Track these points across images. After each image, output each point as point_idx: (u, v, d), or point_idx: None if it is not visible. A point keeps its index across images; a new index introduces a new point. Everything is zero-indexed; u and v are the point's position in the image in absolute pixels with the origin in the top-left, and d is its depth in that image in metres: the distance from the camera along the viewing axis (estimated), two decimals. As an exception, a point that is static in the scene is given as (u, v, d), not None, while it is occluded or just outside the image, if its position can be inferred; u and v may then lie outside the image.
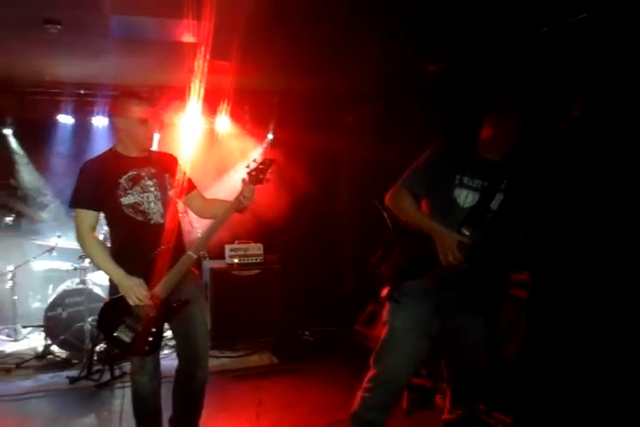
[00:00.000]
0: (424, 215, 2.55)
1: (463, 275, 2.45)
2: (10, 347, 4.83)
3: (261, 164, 2.70)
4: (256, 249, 5.21)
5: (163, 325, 2.66)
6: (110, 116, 2.76)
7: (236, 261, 5.10)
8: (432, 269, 2.43)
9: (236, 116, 5.97)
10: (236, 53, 4.64)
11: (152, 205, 2.66)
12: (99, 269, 2.65)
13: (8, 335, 5.05)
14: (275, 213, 5.47)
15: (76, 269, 4.82)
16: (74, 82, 5.50)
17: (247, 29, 4.01)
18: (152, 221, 2.66)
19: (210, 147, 5.89)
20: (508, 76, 3.58)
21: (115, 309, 2.60)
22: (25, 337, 5.05)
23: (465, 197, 2.50)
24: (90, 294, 4.54)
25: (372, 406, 2.58)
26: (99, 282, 4.79)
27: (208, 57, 4.76)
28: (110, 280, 2.67)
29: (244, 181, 2.67)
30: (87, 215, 2.63)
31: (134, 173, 2.67)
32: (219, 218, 2.67)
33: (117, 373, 4.11)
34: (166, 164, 2.82)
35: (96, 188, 2.62)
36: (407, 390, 3.56)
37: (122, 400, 3.82)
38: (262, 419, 3.52)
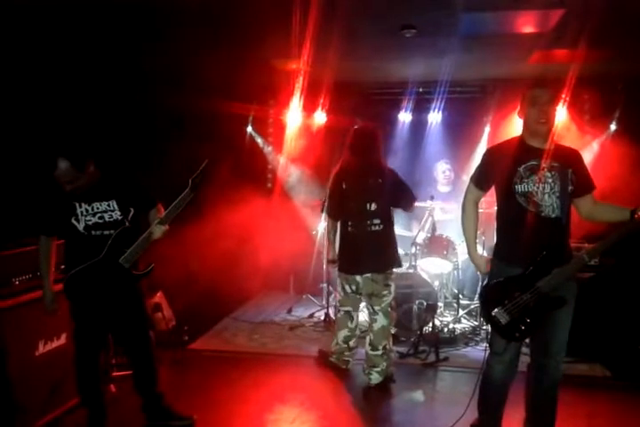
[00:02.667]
0: None
1: None
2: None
3: None
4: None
5: (538, 318, 2.69)
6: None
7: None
8: None
9: (573, 105, 5.56)
10: (582, 40, 4.34)
11: (546, 197, 2.67)
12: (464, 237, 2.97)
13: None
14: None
15: (407, 254, 5.24)
16: (414, 81, 5.93)
17: (598, 14, 3.71)
18: (542, 214, 2.67)
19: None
20: None
21: (498, 291, 2.75)
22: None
23: None
24: (419, 279, 4.86)
25: None
26: (427, 269, 5.11)
27: (551, 46, 4.59)
28: (492, 263, 2.85)
29: None
30: (473, 191, 2.89)
31: (535, 163, 2.70)
32: (621, 231, 2.58)
33: (442, 356, 4.34)
34: (570, 158, 2.76)
35: (491, 171, 2.79)
36: None
37: (445, 383, 4.06)
38: (594, 433, 3.28)
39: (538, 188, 2.66)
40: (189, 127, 5.31)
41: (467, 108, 6.07)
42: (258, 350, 4.63)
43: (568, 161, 2.73)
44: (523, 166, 2.69)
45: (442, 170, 5.70)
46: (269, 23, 3.94)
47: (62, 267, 3.12)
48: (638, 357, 4.38)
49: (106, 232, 2.96)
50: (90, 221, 2.95)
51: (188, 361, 4.34)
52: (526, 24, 4.21)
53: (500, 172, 2.72)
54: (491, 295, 2.78)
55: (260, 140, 6.55)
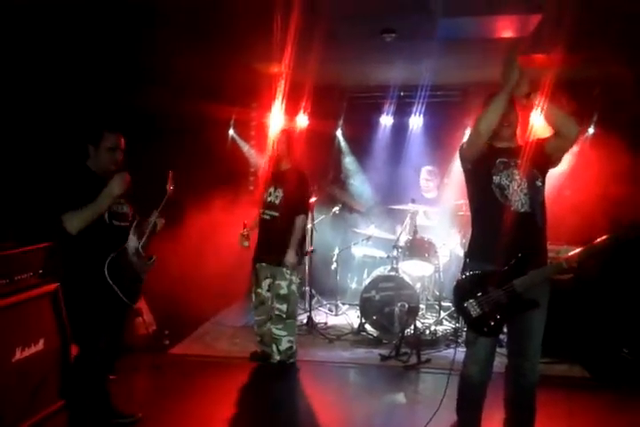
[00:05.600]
0: None
1: None
2: (331, 320, 5.55)
3: None
4: (569, 252, 4.84)
5: (509, 316, 2.72)
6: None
7: (545, 263, 4.83)
8: None
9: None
10: (560, 45, 4.40)
11: (514, 193, 2.73)
12: None
13: (330, 310, 5.82)
14: (592, 215, 5.02)
15: (388, 257, 5.27)
16: (395, 85, 5.97)
17: (577, 20, 3.77)
18: (512, 208, 2.72)
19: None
20: None
21: (474, 283, 2.78)
22: (344, 313, 5.74)
23: None
24: (401, 282, 4.89)
25: None
26: (409, 271, 5.13)
27: (530, 50, 4.65)
28: (465, 257, 2.87)
29: None
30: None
31: (505, 160, 2.78)
32: (604, 241, 2.67)
33: (423, 358, 4.35)
34: (530, 154, 2.76)
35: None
36: None
37: (427, 385, 4.08)
38: (573, 433, 3.31)
39: (509, 183, 2.73)
40: (171, 130, 5.27)
41: (447, 111, 6.12)
42: (240, 354, 4.58)
43: (530, 157, 2.74)
44: (499, 160, 2.77)
45: (422, 177, 5.68)
46: (251, 27, 3.94)
47: (40, 271, 3.07)
48: (617, 358, 4.45)
49: (123, 224, 3.05)
50: (111, 208, 2.98)
51: (169, 366, 4.29)
52: (505, 29, 4.26)
53: (480, 161, 2.77)
54: (465, 287, 2.80)
55: (242, 143, 6.54)
